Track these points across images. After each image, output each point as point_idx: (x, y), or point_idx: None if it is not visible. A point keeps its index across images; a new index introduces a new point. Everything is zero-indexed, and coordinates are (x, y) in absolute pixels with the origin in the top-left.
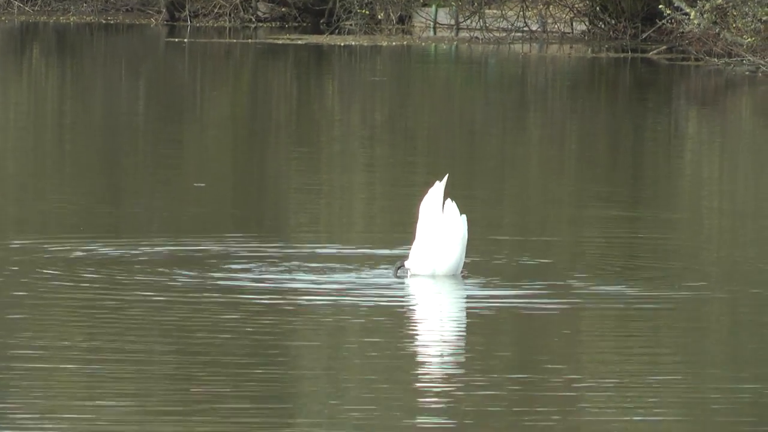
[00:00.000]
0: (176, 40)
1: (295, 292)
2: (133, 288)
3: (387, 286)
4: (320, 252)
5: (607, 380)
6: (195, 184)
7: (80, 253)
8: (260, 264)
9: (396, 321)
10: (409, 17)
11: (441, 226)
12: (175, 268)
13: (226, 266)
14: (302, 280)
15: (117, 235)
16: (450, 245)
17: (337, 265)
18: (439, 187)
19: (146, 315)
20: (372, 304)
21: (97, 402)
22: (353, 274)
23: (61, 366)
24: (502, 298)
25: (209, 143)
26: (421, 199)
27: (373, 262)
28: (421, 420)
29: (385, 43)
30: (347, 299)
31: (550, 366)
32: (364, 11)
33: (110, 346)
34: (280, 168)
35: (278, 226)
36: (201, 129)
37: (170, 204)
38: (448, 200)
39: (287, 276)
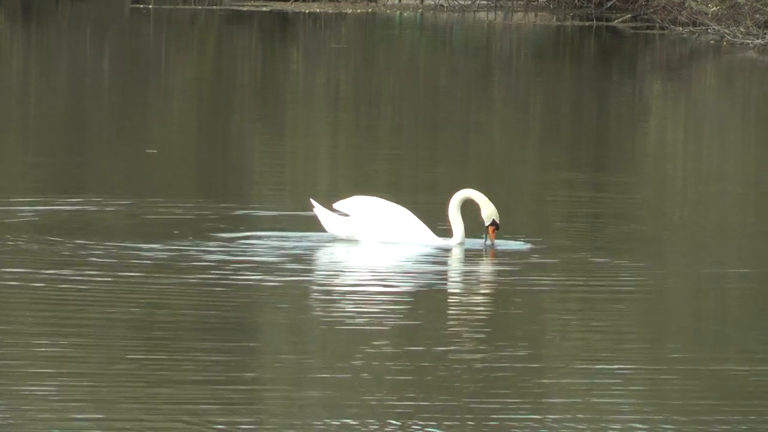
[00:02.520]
0: (141, 6)
1: (257, 263)
2: (86, 260)
3: (343, 260)
4: (279, 216)
5: (568, 356)
6: (147, 151)
7: (32, 217)
8: (219, 233)
9: (352, 294)
10: None
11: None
12: (110, 239)
13: (182, 235)
14: (261, 251)
15: (69, 198)
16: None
17: (297, 234)
18: (322, 211)
19: (89, 287)
20: (329, 275)
21: (55, 380)
22: (312, 244)
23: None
24: (464, 269)
25: (172, 109)
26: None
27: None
28: (385, 398)
29: (349, 11)
30: (307, 277)
31: (512, 341)
32: None
33: (69, 321)
34: (242, 133)
35: (239, 191)
36: (165, 94)
37: (126, 168)
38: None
39: (249, 245)
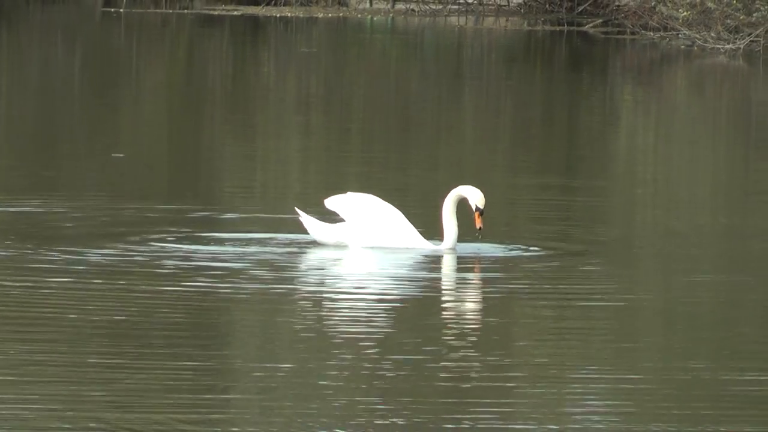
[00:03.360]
0: (112, 10)
1: (237, 269)
2: (47, 266)
3: (316, 265)
4: (247, 218)
5: (538, 366)
6: (114, 155)
7: None
8: (190, 236)
9: (319, 299)
10: None
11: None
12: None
13: (148, 237)
14: (240, 256)
15: (32, 201)
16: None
17: (270, 236)
18: (308, 219)
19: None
20: (298, 278)
21: (22, 387)
22: (283, 248)
23: None
24: (447, 277)
25: (143, 112)
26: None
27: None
28: (343, 406)
29: (320, 15)
30: (289, 283)
31: (476, 349)
32: None
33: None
34: (213, 136)
35: (210, 194)
36: (135, 98)
37: (92, 172)
38: (306, 218)
39: (216, 249)
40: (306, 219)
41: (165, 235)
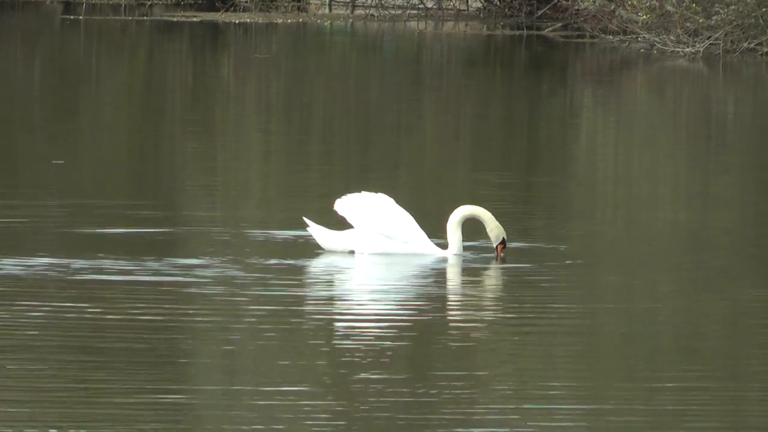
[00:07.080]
0: (71, 17)
1: (189, 280)
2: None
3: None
4: (208, 228)
5: (500, 378)
6: (54, 162)
7: None
8: (149, 245)
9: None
10: None
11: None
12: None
13: (112, 248)
14: (191, 266)
15: None
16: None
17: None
18: (316, 229)
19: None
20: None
21: None
22: (246, 257)
23: None
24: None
25: (99, 119)
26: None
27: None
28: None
29: (280, 21)
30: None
31: (441, 361)
32: None
33: None
34: (174, 142)
35: (172, 202)
36: (93, 104)
37: (30, 179)
38: (314, 228)
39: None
40: (314, 228)
41: (120, 248)
